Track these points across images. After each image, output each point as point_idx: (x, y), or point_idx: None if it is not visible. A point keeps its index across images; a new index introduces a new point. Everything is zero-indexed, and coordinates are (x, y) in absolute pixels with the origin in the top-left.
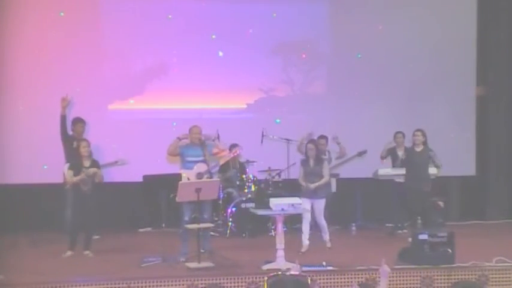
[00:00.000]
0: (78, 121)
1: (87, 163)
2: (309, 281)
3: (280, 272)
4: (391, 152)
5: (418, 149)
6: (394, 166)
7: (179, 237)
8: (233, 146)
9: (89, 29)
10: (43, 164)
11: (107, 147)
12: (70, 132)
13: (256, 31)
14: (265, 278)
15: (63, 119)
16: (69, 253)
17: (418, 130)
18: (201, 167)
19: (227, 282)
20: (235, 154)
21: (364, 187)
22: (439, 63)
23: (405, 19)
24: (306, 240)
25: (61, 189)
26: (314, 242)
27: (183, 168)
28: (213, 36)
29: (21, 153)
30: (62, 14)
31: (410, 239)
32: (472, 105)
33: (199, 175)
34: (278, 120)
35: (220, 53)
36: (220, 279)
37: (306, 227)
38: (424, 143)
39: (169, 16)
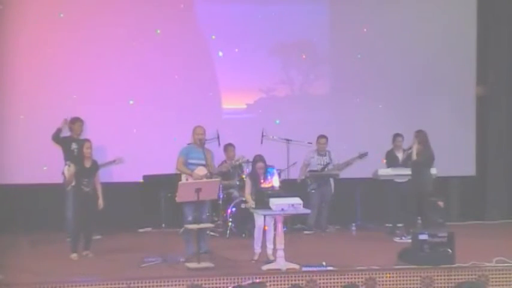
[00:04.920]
0: (77, 120)
1: (88, 163)
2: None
3: (242, 283)
4: (389, 155)
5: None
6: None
7: (182, 237)
8: (228, 146)
9: (89, 30)
10: (43, 165)
11: (107, 147)
12: (68, 133)
13: (256, 31)
14: None
15: (60, 131)
16: (74, 255)
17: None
18: (202, 171)
19: (227, 282)
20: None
21: (364, 187)
22: (439, 63)
23: (405, 19)
24: (257, 248)
25: (61, 189)
26: (314, 242)
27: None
28: (213, 37)
29: (21, 153)
30: (61, 15)
31: (410, 239)
32: (472, 105)
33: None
34: (278, 121)
35: (220, 53)
36: (220, 279)
37: (258, 235)
38: (424, 145)
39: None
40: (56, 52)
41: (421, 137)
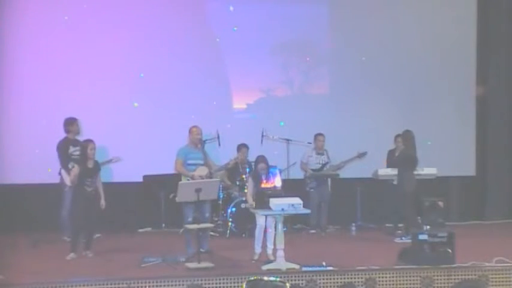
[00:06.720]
0: (74, 120)
1: (90, 164)
2: (288, 286)
3: (259, 277)
4: (389, 154)
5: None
6: (387, 167)
7: (184, 237)
8: (241, 146)
9: (93, 32)
10: (44, 165)
11: (107, 147)
12: (66, 134)
13: (256, 31)
14: (243, 283)
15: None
16: (72, 255)
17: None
18: (203, 171)
19: (227, 282)
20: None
21: (364, 187)
22: (440, 63)
23: (405, 19)
24: (258, 248)
25: (58, 189)
26: (314, 242)
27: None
28: (217, 39)
29: (21, 154)
30: (66, 17)
31: (410, 239)
32: (472, 105)
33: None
34: (282, 123)
35: (221, 53)
36: (220, 279)
37: (259, 235)
38: (405, 145)
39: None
40: (60, 54)
41: (405, 137)
